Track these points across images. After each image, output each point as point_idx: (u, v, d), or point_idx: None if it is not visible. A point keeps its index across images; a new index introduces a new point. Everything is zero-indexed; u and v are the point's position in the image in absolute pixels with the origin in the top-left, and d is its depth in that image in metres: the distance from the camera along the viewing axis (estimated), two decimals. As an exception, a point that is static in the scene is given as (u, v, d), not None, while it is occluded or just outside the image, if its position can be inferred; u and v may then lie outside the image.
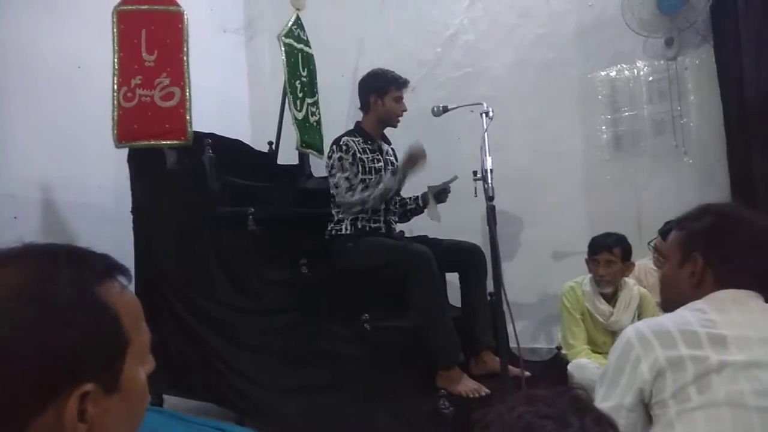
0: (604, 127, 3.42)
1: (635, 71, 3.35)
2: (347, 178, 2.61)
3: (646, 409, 1.04)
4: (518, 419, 0.57)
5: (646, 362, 1.02)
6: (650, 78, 3.31)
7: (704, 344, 1.00)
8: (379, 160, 2.75)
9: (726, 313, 1.05)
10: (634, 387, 1.03)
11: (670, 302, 1.22)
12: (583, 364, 2.53)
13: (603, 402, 1.06)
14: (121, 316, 0.60)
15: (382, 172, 2.72)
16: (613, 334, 2.68)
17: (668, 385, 0.99)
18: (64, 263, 0.59)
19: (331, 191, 2.68)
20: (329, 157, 2.70)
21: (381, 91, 2.72)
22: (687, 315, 1.07)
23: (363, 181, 2.65)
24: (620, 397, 1.04)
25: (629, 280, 2.74)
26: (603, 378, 1.10)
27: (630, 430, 1.04)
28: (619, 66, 3.38)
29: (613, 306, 2.66)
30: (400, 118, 2.78)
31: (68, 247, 0.63)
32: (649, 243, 2.92)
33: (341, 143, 2.67)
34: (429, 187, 2.72)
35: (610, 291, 2.66)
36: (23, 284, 0.56)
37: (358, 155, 2.67)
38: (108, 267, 0.63)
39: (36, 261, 0.59)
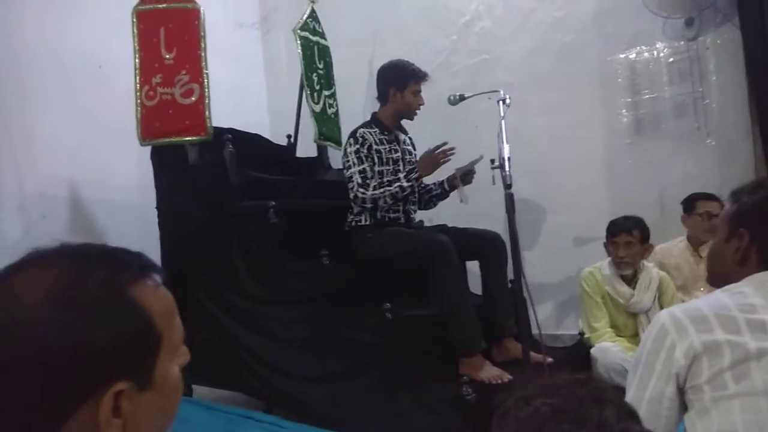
0: (624, 111, 3.38)
1: (655, 53, 3.30)
2: (362, 172, 2.63)
3: (681, 395, 1.01)
4: (534, 413, 0.55)
5: (681, 347, 0.98)
6: (671, 59, 3.25)
7: (743, 330, 0.96)
8: (396, 151, 2.77)
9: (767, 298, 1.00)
10: (671, 374, 0.99)
11: (715, 277, 1.17)
12: (606, 348, 2.53)
13: (640, 391, 1.03)
14: (153, 315, 0.61)
15: (400, 163, 2.73)
16: (635, 316, 2.69)
17: (704, 371, 0.96)
18: (97, 265, 0.60)
19: (348, 185, 2.71)
20: (345, 150, 2.72)
21: (401, 84, 2.72)
22: (724, 298, 1.03)
23: (380, 173, 2.67)
24: (660, 387, 1.01)
25: (648, 263, 2.74)
26: (637, 364, 1.07)
27: (672, 419, 1.01)
28: (638, 48, 3.33)
29: (633, 288, 2.66)
30: (417, 112, 2.78)
31: (101, 247, 0.64)
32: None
33: (358, 135, 2.69)
34: (456, 169, 2.69)
35: (629, 273, 2.66)
36: (58, 286, 0.57)
37: (375, 146, 2.68)
38: (141, 266, 0.64)
39: (69, 263, 0.60)
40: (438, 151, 2.52)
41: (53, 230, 3.07)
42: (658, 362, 1.02)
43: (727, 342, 0.96)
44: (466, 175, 2.66)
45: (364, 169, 2.64)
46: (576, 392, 0.57)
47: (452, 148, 2.53)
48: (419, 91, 2.75)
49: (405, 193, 2.58)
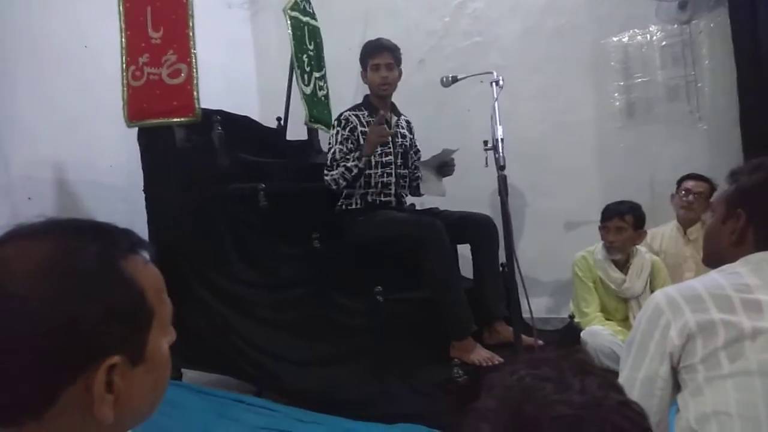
0: (616, 94, 3.36)
1: (648, 36, 3.28)
2: (333, 154, 2.63)
3: (675, 374, 1.01)
4: (519, 381, 0.57)
5: (676, 327, 0.98)
6: (663, 43, 3.23)
7: (737, 309, 0.95)
8: (385, 132, 2.73)
9: (763, 278, 0.99)
10: (665, 353, 0.99)
11: (711, 257, 1.17)
12: (596, 331, 2.54)
13: (634, 371, 1.02)
14: (145, 289, 0.61)
15: (389, 145, 2.71)
16: (625, 300, 2.70)
17: (698, 350, 0.96)
18: (90, 238, 0.60)
19: None
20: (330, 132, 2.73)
21: (363, 63, 2.73)
22: (719, 279, 1.02)
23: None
24: (654, 366, 1.00)
25: (641, 248, 2.74)
26: (631, 344, 1.06)
27: (666, 399, 1.01)
28: (631, 31, 3.31)
29: (625, 273, 2.67)
30: (385, 87, 2.69)
31: (92, 222, 0.64)
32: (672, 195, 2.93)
33: (341, 118, 2.70)
34: (421, 163, 2.67)
35: (619, 257, 2.66)
36: (51, 258, 0.56)
37: (360, 128, 2.66)
38: (132, 242, 0.64)
39: (62, 235, 0.59)
40: (377, 124, 2.53)
41: (39, 212, 2.98)
42: (652, 342, 1.01)
43: (721, 321, 0.95)
44: (443, 167, 2.65)
45: (334, 151, 2.64)
46: (560, 364, 0.58)
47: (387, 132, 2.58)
48: (378, 65, 2.66)
49: (353, 174, 2.56)
